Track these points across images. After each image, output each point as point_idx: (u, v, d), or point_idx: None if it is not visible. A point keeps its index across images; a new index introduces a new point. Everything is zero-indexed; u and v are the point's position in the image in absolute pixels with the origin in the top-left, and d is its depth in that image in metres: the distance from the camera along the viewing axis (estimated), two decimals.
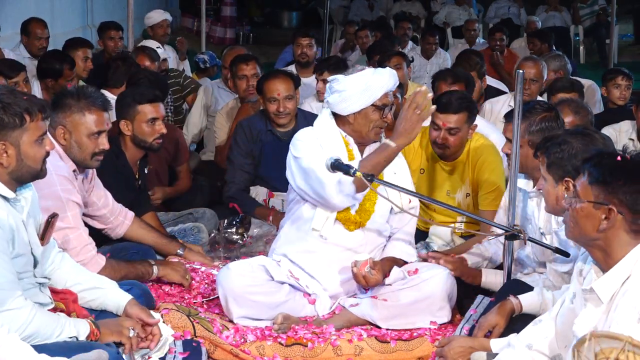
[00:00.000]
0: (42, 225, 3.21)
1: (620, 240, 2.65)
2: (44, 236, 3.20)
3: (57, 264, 3.39)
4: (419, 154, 4.91)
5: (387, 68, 4.08)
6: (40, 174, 3.12)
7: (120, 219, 4.38)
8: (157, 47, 7.45)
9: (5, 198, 3.01)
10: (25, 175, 3.06)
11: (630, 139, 5.84)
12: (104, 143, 3.95)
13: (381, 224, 4.12)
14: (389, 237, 4.19)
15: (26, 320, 2.93)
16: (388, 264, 4.05)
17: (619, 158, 2.67)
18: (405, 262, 4.12)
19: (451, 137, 4.66)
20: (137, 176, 4.74)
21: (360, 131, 4.00)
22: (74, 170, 3.94)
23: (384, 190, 3.95)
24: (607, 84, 6.81)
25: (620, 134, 5.83)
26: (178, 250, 4.56)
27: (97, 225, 4.30)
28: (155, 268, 4.19)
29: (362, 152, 4.05)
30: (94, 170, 4.17)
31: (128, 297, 3.42)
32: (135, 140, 4.65)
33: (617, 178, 2.63)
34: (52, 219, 3.24)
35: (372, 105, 3.95)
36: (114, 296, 3.42)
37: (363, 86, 3.93)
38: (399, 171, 4.11)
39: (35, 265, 3.17)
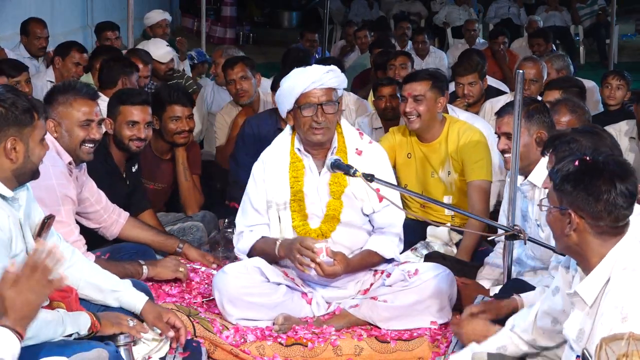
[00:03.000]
0: (38, 226, 3.20)
1: (591, 244, 2.69)
2: (39, 237, 3.19)
3: (66, 260, 3.34)
4: (404, 142, 5.00)
5: (303, 68, 4.03)
6: (36, 174, 3.13)
7: (114, 217, 4.36)
8: (167, 46, 7.47)
9: (3, 197, 3.00)
10: (28, 173, 3.06)
11: (632, 137, 5.84)
12: (94, 133, 4.00)
13: (351, 231, 4.06)
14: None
15: None
16: (358, 257, 4.02)
17: (576, 163, 2.70)
18: (383, 258, 4.07)
19: (419, 106, 4.80)
20: (124, 175, 4.70)
21: (299, 133, 4.03)
22: (70, 163, 3.95)
23: (358, 189, 3.94)
24: (602, 84, 6.81)
25: (620, 133, 5.82)
26: (178, 247, 4.55)
27: (90, 224, 4.27)
28: (145, 268, 4.18)
29: (323, 158, 4.01)
30: (85, 167, 4.17)
31: (143, 299, 3.43)
32: (115, 140, 4.62)
33: (567, 184, 2.69)
34: (48, 220, 3.23)
35: (296, 106, 3.95)
36: (129, 299, 3.43)
37: (281, 89, 4.02)
38: (366, 169, 3.91)
39: None
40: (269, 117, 5.44)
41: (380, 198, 3.92)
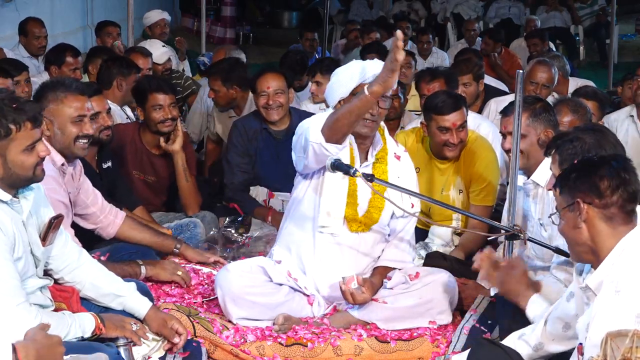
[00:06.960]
0: (45, 226, 3.19)
1: (601, 233, 2.73)
2: (45, 237, 3.19)
3: (73, 260, 3.38)
4: (414, 154, 4.90)
5: (372, 60, 3.95)
6: (34, 178, 3.09)
7: (110, 218, 4.30)
8: (163, 46, 7.46)
9: (2, 201, 3.00)
10: (17, 181, 3.05)
11: (631, 115, 5.91)
12: (87, 128, 3.88)
13: (381, 230, 4.07)
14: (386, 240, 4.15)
15: (31, 326, 2.88)
16: (379, 278, 4.04)
17: (575, 162, 2.84)
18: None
19: (462, 132, 4.73)
20: (98, 172, 4.65)
21: None
22: (63, 164, 3.91)
23: (390, 195, 3.88)
24: (624, 84, 6.79)
25: (620, 116, 5.94)
26: (175, 247, 4.51)
27: (87, 225, 4.24)
28: (143, 268, 4.16)
29: (365, 152, 3.99)
30: (82, 167, 4.15)
31: (147, 305, 3.44)
32: None
33: (571, 175, 2.78)
34: (55, 220, 3.22)
35: (352, 94, 3.86)
36: (133, 304, 3.43)
37: (338, 76, 3.93)
38: (402, 175, 4.05)
39: (37, 265, 3.16)
40: (255, 118, 5.46)
41: (412, 205, 3.96)
